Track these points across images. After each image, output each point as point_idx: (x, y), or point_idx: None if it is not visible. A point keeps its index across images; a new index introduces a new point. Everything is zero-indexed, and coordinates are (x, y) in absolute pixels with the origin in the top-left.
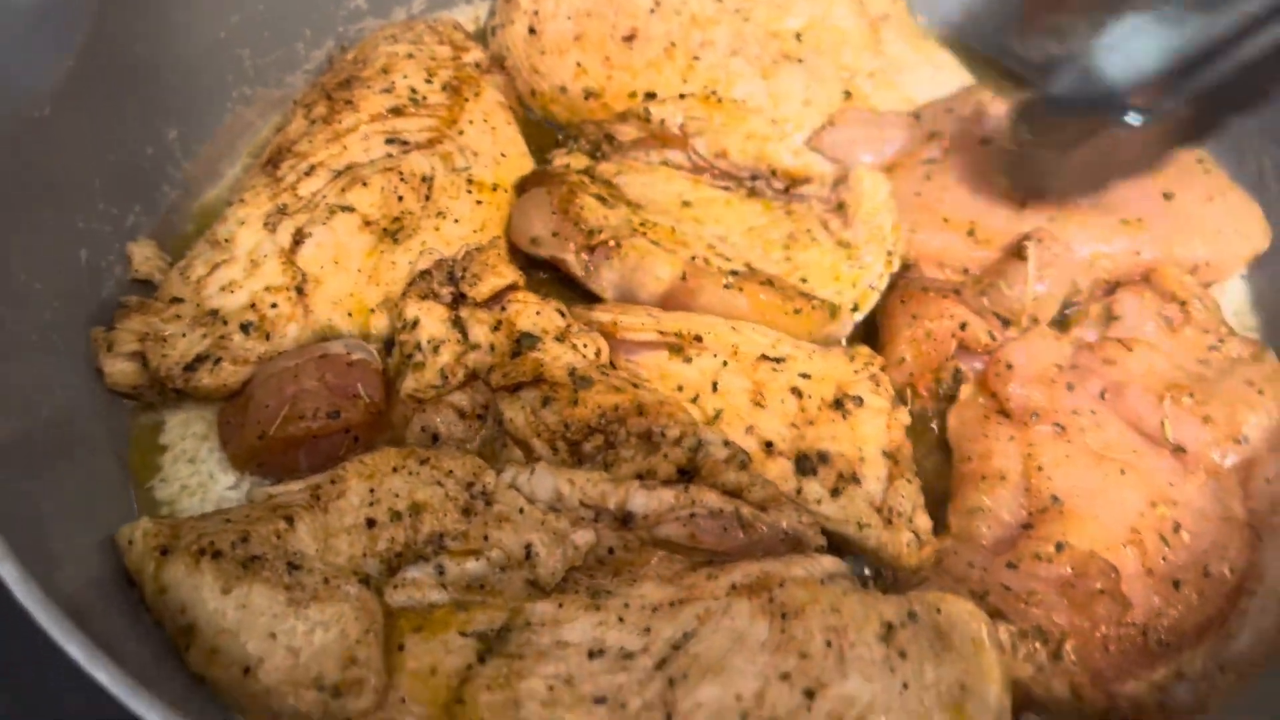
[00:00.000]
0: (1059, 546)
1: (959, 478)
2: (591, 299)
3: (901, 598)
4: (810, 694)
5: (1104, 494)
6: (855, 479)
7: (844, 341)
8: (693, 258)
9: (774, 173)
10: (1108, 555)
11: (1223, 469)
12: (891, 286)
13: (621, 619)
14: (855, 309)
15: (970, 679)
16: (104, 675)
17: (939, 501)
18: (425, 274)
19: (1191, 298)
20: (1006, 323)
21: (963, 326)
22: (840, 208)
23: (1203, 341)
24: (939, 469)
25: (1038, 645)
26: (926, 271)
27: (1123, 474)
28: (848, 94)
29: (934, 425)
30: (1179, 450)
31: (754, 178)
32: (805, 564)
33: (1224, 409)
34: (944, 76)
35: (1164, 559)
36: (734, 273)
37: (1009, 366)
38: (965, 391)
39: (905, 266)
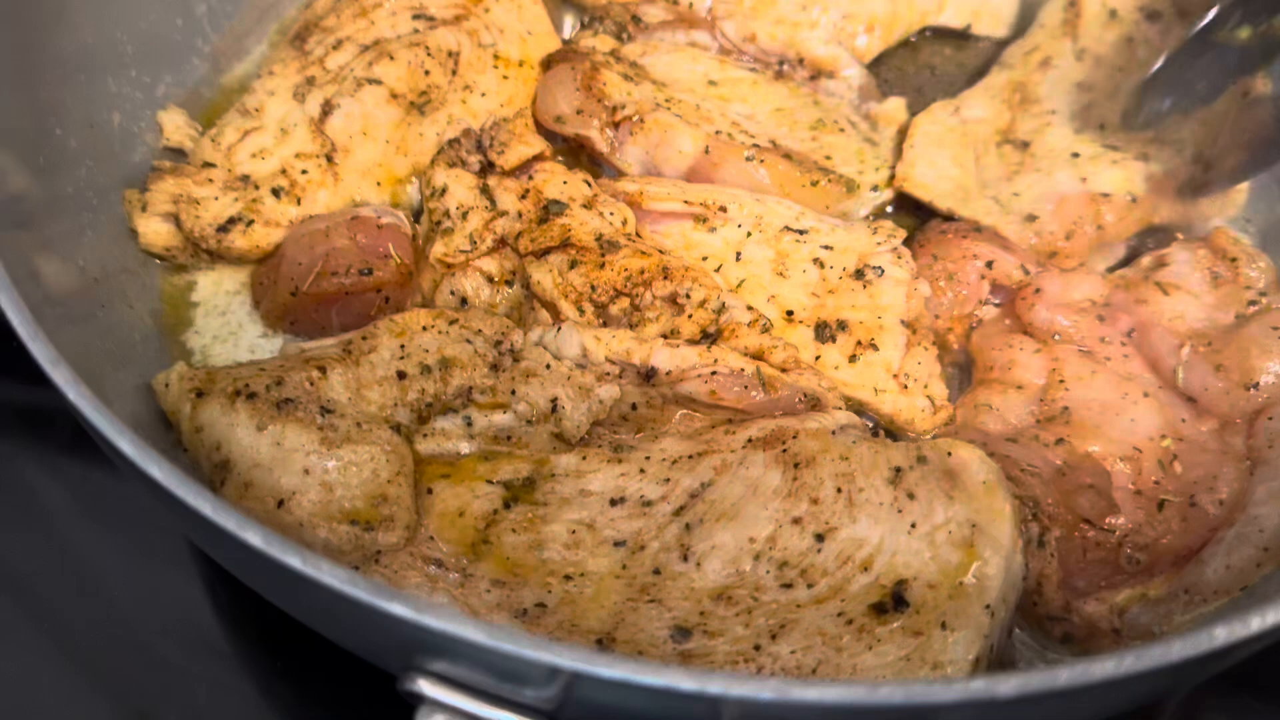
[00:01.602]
0: (1059, 440)
1: (977, 385)
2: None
3: (911, 444)
4: (820, 537)
5: (1117, 412)
6: (873, 346)
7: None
8: (717, 132)
9: (801, 61)
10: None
11: (1233, 416)
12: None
13: (643, 470)
14: (876, 188)
15: (981, 518)
16: (157, 471)
17: None
18: (453, 143)
19: (1245, 256)
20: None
21: (989, 265)
22: (870, 118)
23: (1243, 298)
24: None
25: (1029, 519)
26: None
27: (1145, 396)
28: None
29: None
30: (1190, 399)
31: (781, 63)
32: (819, 418)
33: (1237, 355)
34: None
35: (1155, 481)
36: (756, 146)
37: (1038, 291)
38: (991, 312)
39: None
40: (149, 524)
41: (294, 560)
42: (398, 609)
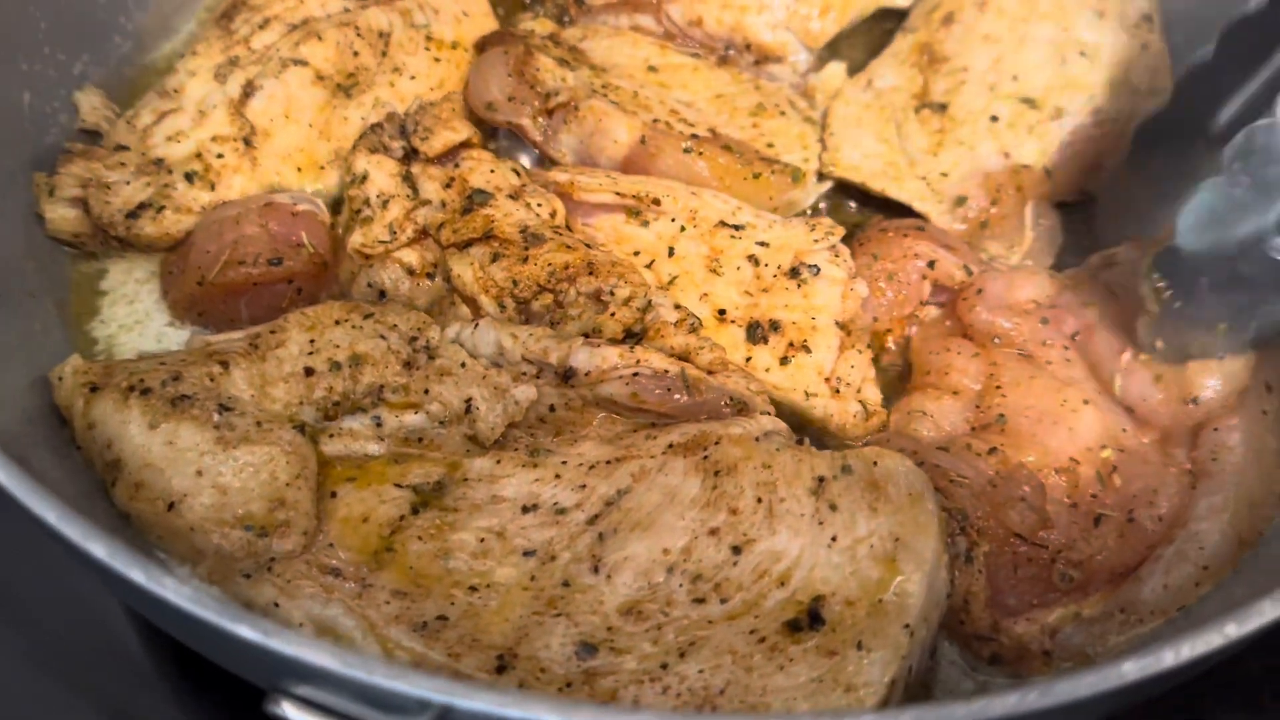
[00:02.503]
0: (992, 450)
1: (912, 389)
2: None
3: (837, 453)
4: (737, 549)
5: (1055, 420)
6: (805, 348)
7: (809, 210)
8: (654, 120)
9: (748, 46)
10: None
11: (1174, 429)
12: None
13: (559, 476)
14: (820, 176)
15: (904, 531)
16: (31, 500)
17: None
18: (376, 127)
19: None
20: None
21: (931, 265)
22: (807, 93)
23: None
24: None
25: (957, 533)
26: None
27: (1085, 404)
28: None
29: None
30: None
31: (727, 48)
32: (743, 423)
33: (1178, 370)
34: None
35: (1092, 495)
36: (695, 136)
37: (979, 292)
38: (931, 313)
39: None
40: None
41: (137, 575)
42: (244, 631)
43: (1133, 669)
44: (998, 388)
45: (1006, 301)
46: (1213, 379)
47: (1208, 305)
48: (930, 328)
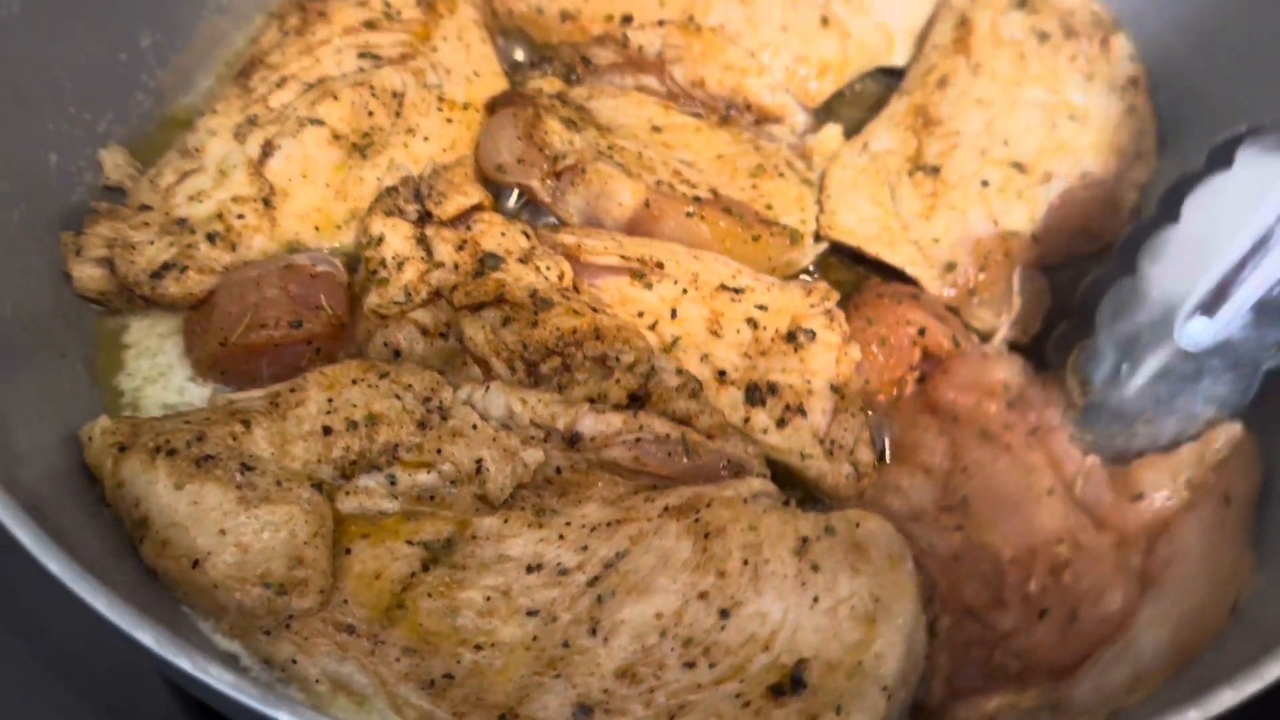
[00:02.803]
0: (957, 527)
1: (891, 461)
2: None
3: (821, 515)
4: (725, 613)
5: (1015, 509)
6: (801, 410)
7: (810, 271)
8: (658, 183)
9: (748, 106)
10: None
11: (1130, 531)
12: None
13: (562, 536)
14: (818, 237)
15: (884, 591)
16: (54, 564)
17: None
18: (392, 190)
19: None
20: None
21: (922, 332)
22: (805, 154)
23: None
24: None
25: (928, 601)
26: None
27: (1049, 495)
28: (825, 20)
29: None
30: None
31: (728, 108)
32: (735, 485)
33: (1126, 469)
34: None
35: (1042, 587)
36: (697, 199)
37: (945, 372)
38: (911, 387)
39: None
40: None
41: (184, 664)
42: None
43: None
44: (963, 469)
45: (975, 381)
46: (1155, 473)
47: (1127, 398)
48: (909, 401)
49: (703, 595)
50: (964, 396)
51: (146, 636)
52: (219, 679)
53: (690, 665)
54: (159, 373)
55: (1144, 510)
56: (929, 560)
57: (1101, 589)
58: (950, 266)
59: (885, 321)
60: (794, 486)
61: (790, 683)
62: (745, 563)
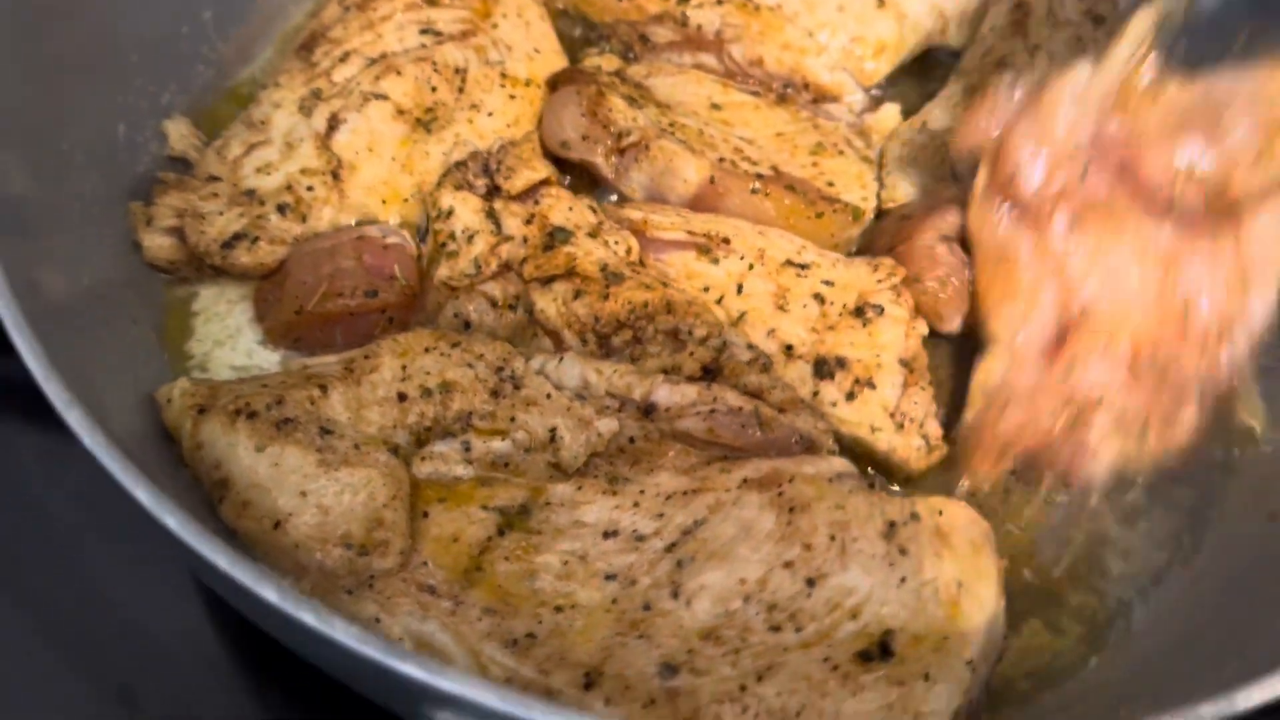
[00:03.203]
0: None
1: (987, 279)
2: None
3: (906, 499)
4: (811, 582)
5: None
6: (871, 384)
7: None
8: (720, 160)
9: (806, 85)
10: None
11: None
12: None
13: (637, 504)
14: (879, 215)
15: (967, 577)
16: (170, 519)
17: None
18: (460, 165)
19: None
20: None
21: (944, 238)
22: (864, 133)
23: None
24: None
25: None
26: None
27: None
28: (881, 1)
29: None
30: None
31: (785, 86)
32: (816, 463)
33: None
34: None
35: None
36: (760, 176)
37: (1009, 144)
38: (980, 181)
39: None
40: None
41: (308, 618)
42: (411, 670)
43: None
44: (1067, 279)
45: (1045, 141)
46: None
47: None
48: (983, 210)
49: (788, 565)
50: (1046, 169)
51: (269, 592)
52: (344, 633)
53: (776, 629)
54: (228, 335)
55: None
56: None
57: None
58: None
59: (920, 264)
60: (861, 464)
61: (879, 649)
62: (832, 538)
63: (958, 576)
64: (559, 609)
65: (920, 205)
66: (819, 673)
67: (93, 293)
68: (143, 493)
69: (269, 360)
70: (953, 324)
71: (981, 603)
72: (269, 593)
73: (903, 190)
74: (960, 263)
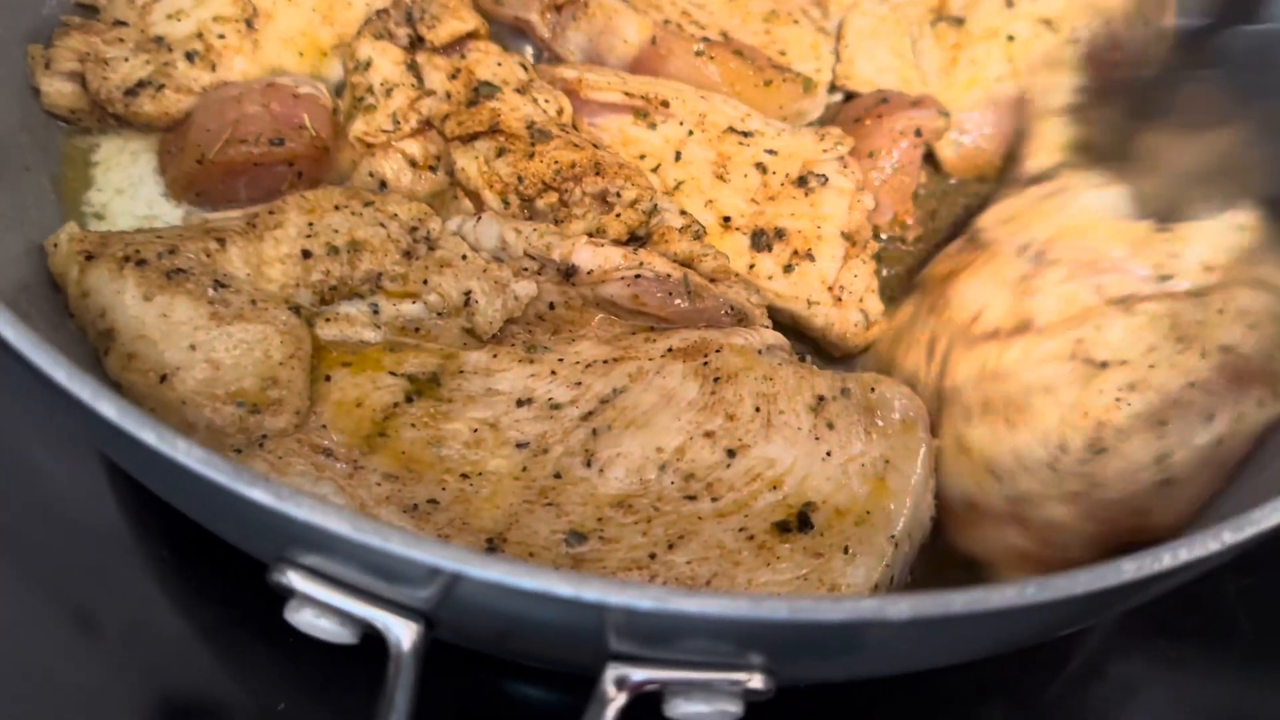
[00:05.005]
0: None
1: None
2: None
3: (837, 374)
4: (731, 452)
5: None
6: (809, 256)
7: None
8: (665, 21)
9: None
10: None
11: None
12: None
13: (554, 373)
14: (833, 87)
15: (895, 455)
16: (39, 358)
17: None
18: (382, 13)
19: None
20: None
21: (918, 133)
22: (821, 3)
23: None
24: None
25: None
26: None
27: None
28: None
29: None
30: None
31: None
32: (746, 334)
33: None
34: None
35: None
36: (706, 39)
37: None
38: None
39: None
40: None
41: (149, 436)
42: (257, 495)
43: (1130, 568)
44: None
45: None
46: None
47: None
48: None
49: (709, 435)
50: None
51: (108, 408)
52: (187, 454)
53: (692, 498)
54: (129, 183)
55: None
56: None
57: None
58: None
59: (880, 143)
60: (796, 340)
61: (798, 521)
62: (757, 410)
63: (885, 454)
64: (465, 476)
65: (909, 98)
66: (733, 542)
67: None
68: (9, 330)
69: (172, 215)
70: (883, 216)
71: (909, 481)
72: (107, 409)
73: (859, 67)
74: (916, 169)
